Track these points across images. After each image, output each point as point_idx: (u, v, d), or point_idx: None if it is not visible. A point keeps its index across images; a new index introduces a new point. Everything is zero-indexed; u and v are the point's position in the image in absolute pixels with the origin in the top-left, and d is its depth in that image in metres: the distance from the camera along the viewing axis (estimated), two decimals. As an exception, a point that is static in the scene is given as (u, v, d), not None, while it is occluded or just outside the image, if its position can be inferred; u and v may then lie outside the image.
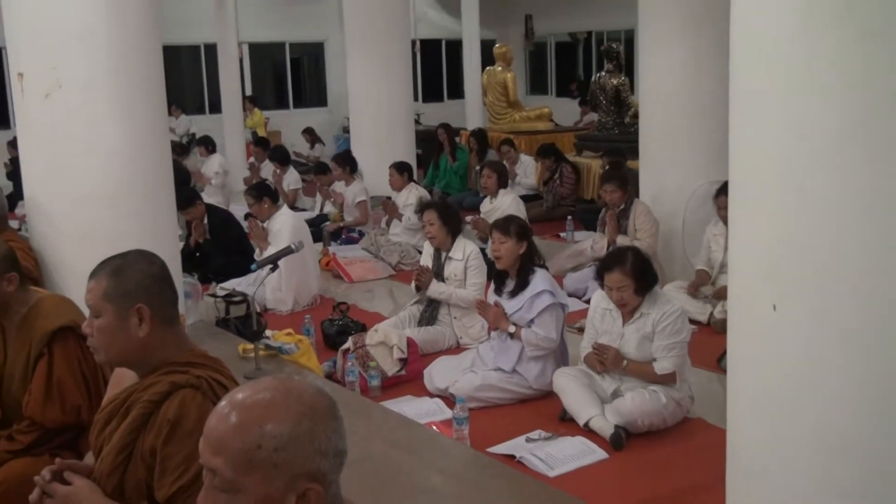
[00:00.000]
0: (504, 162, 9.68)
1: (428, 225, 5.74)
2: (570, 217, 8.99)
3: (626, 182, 6.79)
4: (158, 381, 2.20)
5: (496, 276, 4.97)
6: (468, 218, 7.45)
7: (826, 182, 1.81)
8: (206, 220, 7.47)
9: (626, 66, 11.32)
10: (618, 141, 9.87)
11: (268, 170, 10.93)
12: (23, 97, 4.67)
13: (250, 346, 5.16)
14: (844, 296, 1.82)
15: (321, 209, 9.71)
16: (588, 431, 4.28)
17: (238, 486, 1.50)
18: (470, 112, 15.80)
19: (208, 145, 11.59)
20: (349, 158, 9.26)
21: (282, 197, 9.36)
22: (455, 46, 17.85)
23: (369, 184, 9.08)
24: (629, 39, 15.95)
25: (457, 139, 12.00)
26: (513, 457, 4.08)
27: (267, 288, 6.34)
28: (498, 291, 4.92)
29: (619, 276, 4.27)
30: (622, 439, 4.17)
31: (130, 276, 2.23)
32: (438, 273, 5.73)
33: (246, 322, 5.76)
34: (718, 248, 5.99)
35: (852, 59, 1.75)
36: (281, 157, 10.80)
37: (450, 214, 5.79)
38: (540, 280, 4.73)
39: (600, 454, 4.11)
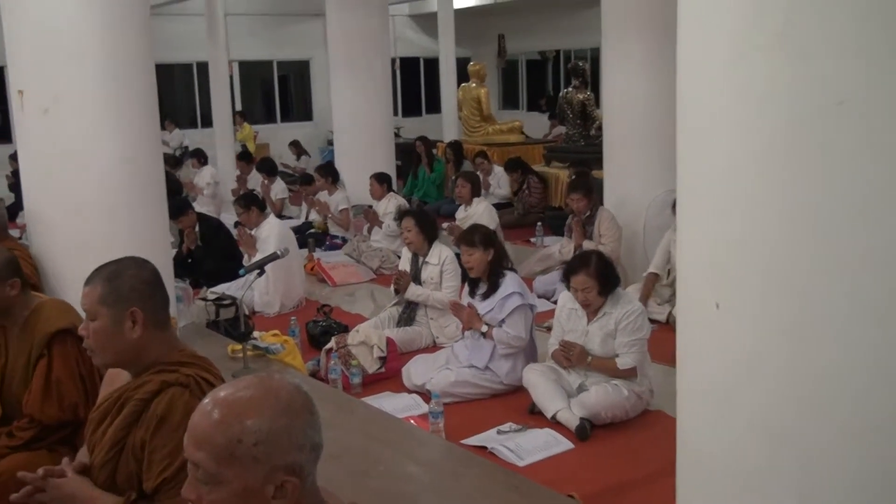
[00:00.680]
0: (478, 172, 9.71)
1: (406, 231, 5.76)
2: (539, 223, 9.03)
3: (592, 191, 6.83)
4: (150, 380, 2.22)
5: (470, 280, 5.00)
6: (444, 224, 7.48)
7: (764, 189, 1.85)
8: (197, 228, 7.46)
9: (592, 82, 11.38)
10: (584, 152, 9.91)
11: (256, 180, 10.91)
12: (22, 113, 4.65)
13: (239, 346, 5.15)
14: (782, 294, 1.85)
15: (307, 217, 9.70)
16: (555, 423, 4.31)
17: (220, 478, 1.51)
18: (446, 126, 15.82)
19: (200, 157, 11.56)
20: (332, 170, 9.27)
21: (269, 206, 9.35)
22: (432, 64, 17.89)
23: (351, 193, 9.09)
24: (594, 58, 16.04)
25: (434, 151, 12.02)
26: (485, 448, 4.10)
27: (255, 292, 6.34)
28: (471, 293, 4.95)
29: (583, 278, 4.31)
30: (587, 430, 4.20)
31: (124, 282, 2.24)
32: (416, 277, 5.75)
33: (235, 324, 5.75)
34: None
35: (789, 77, 1.79)
36: (268, 169, 10.79)
37: (426, 221, 5.82)
38: (510, 283, 4.76)
39: (566, 444, 4.14)
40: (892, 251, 1.77)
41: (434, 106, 18.15)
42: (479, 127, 12.82)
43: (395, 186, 9.01)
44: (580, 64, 10.87)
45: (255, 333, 5.37)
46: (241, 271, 5.60)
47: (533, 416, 4.46)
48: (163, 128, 11.39)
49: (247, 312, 5.42)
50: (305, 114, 18.59)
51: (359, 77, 9.20)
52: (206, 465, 1.51)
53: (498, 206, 8.88)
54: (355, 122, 9.30)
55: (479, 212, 7.48)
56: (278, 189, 10.59)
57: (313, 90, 18.43)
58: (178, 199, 7.46)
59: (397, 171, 10.29)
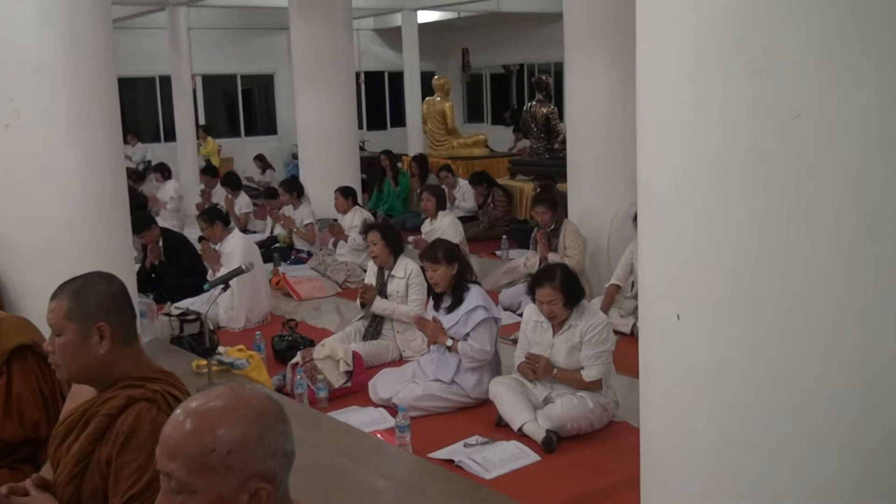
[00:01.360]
0: (443, 186, 9.74)
1: (371, 245, 5.76)
2: (504, 236, 9.07)
3: (556, 204, 6.89)
4: (116, 395, 2.20)
5: (435, 294, 5.01)
6: (410, 238, 7.49)
7: (722, 202, 1.90)
8: (160, 243, 7.40)
9: (556, 96, 11.48)
10: (548, 165, 9.99)
11: (220, 195, 10.84)
12: (-18, 127, 4.59)
13: (203, 362, 5.12)
14: (742, 305, 1.90)
15: (271, 231, 9.66)
16: (522, 436, 4.32)
17: (193, 488, 1.51)
18: (411, 139, 15.86)
19: (164, 172, 11.47)
20: (296, 184, 9.26)
21: (233, 220, 9.30)
22: (397, 78, 17.92)
23: (317, 207, 9.07)
24: (558, 72, 16.17)
25: (399, 164, 12.04)
26: (452, 461, 4.10)
27: (219, 306, 6.30)
28: (436, 307, 4.96)
29: (549, 290, 4.34)
30: (553, 442, 4.23)
31: (91, 296, 2.22)
32: (382, 290, 5.75)
33: (199, 339, 5.71)
34: (640, 265, 6.08)
35: (741, 92, 1.84)
36: (233, 183, 10.73)
37: (392, 235, 5.83)
38: (474, 296, 4.78)
39: (533, 457, 4.16)
40: (849, 262, 1.82)
41: (399, 119, 18.18)
42: (444, 140, 12.87)
43: (360, 200, 9.01)
44: (544, 78, 10.97)
45: (220, 349, 5.34)
46: (206, 286, 5.56)
47: (499, 428, 4.47)
48: (125, 142, 11.31)
49: (211, 327, 5.38)
50: (270, 128, 18.52)
51: (323, 91, 9.20)
52: (179, 476, 1.52)
53: (463, 220, 8.92)
54: (320, 136, 9.29)
55: (444, 225, 7.51)
56: (242, 203, 10.54)
57: (277, 104, 18.37)
58: (141, 214, 7.39)
59: (362, 184, 10.29)
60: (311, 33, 9.15)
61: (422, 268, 5.84)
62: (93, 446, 2.17)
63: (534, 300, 4.48)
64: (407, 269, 5.73)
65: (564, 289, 4.34)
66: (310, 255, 8.57)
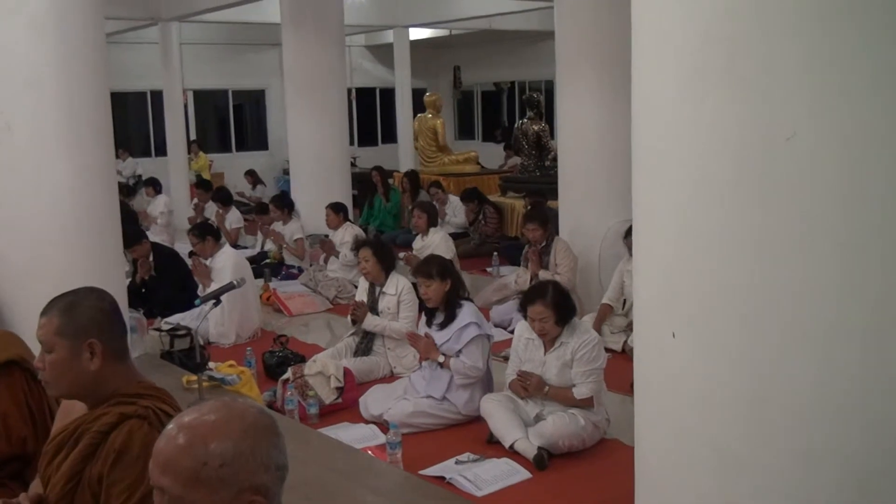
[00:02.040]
0: (434, 202, 9.75)
1: (363, 261, 5.75)
2: (495, 253, 9.07)
3: (547, 221, 6.89)
4: (107, 412, 2.18)
5: (427, 310, 5.00)
6: (401, 254, 7.49)
7: (716, 223, 1.90)
8: (151, 258, 7.37)
9: (547, 113, 11.52)
10: (539, 182, 10.01)
11: (211, 210, 10.82)
12: (-27, 141, 4.58)
13: (194, 377, 5.08)
14: (735, 324, 1.90)
15: (262, 247, 9.64)
16: (513, 453, 4.31)
17: (187, 502, 1.51)
18: (402, 155, 15.87)
19: (155, 186, 11.45)
20: (287, 200, 9.25)
21: (224, 236, 9.27)
22: (388, 94, 17.94)
23: (307, 223, 9.05)
24: (549, 89, 16.25)
25: (390, 181, 12.05)
26: (443, 478, 4.09)
27: (210, 322, 6.27)
28: (428, 324, 4.95)
29: (540, 307, 4.34)
30: (544, 460, 4.22)
31: (82, 312, 2.20)
32: (373, 307, 5.74)
33: (190, 354, 5.69)
34: (631, 283, 6.07)
35: (736, 112, 1.84)
36: (223, 198, 10.71)
37: (384, 252, 5.82)
38: (467, 313, 4.78)
39: (524, 474, 4.15)
40: (842, 283, 1.82)
41: (390, 136, 18.20)
42: (435, 157, 12.89)
43: (351, 216, 9.00)
44: (535, 95, 11.01)
45: (211, 364, 5.31)
46: (197, 301, 5.53)
47: (491, 445, 4.46)
48: (116, 156, 11.27)
49: (202, 343, 5.36)
50: (261, 143, 18.52)
51: (315, 107, 9.21)
52: (173, 490, 1.51)
53: (454, 236, 8.92)
54: (311, 152, 9.29)
55: (435, 241, 7.50)
56: (233, 218, 10.52)
57: (269, 119, 18.38)
58: (132, 228, 7.36)
59: (353, 200, 10.29)
60: (304, 49, 9.16)
61: (414, 284, 5.84)
62: (84, 463, 2.15)
63: (525, 317, 4.47)
64: (398, 285, 5.72)
65: (556, 306, 4.34)
66: (300, 270, 8.55)
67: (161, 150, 15.06)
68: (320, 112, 9.21)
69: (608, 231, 6.66)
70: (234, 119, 18.29)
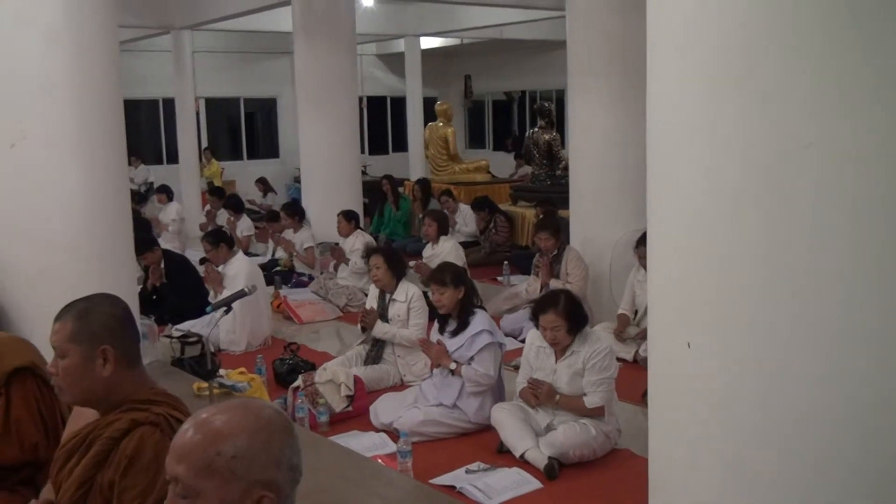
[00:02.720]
0: (445, 211, 9.75)
1: (374, 269, 5.75)
2: (506, 262, 9.05)
3: (559, 230, 6.88)
4: (119, 418, 2.18)
5: (439, 317, 4.99)
6: (411, 263, 7.48)
7: (732, 233, 1.89)
8: (162, 265, 7.39)
9: (557, 122, 11.52)
10: (550, 192, 10.00)
11: (222, 217, 10.86)
12: (-11, 147, 4.60)
13: (205, 384, 5.09)
14: (752, 333, 1.89)
15: (273, 254, 9.66)
16: (524, 462, 4.29)
17: (198, 491, 1.54)
18: (413, 164, 15.90)
19: (167, 193, 11.50)
20: (297, 208, 9.28)
21: (235, 243, 9.30)
22: (399, 103, 17.99)
23: (318, 230, 9.07)
24: (560, 98, 16.27)
25: (400, 189, 12.05)
26: (454, 487, 4.07)
27: (221, 329, 6.27)
28: (441, 331, 4.95)
29: (552, 316, 4.33)
30: (555, 470, 4.20)
31: (96, 319, 2.20)
32: (383, 314, 5.73)
33: (200, 361, 5.69)
34: (642, 293, 6.07)
35: (753, 120, 1.84)
36: (235, 205, 10.75)
37: (395, 259, 5.82)
38: (479, 320, 4.77)
39: (535, 484, 4.13)
40: (858, 291, 1.81)
41: (400, 144, 18.24)
42: (446, 166, 12.90)
43: (362, 224, 9.01)
44: (546, 104, 11.01)
45: (221, 371, 5.32)
46: (209, 308, 5.54)
47: (501, 455, 4.44)
48: (128, 163, 11.32)
49: (212, 350, 5.36)
50: (272, 151, 18.58)
51: (326, 115, 9.23)
52: (185, 479, 1.54)
53: (464, 245, 8.91)
54: (322, 160, 9.31)
55: (446, 250, 7.50)
56: (244, 226, 10.55)
57: (280, 127, 18.44)
58: (144, 236, 7.38)
59: (364, 208, 10.31)
60: (315, 58, 9.19)
61: (424, 293, 5.84)
62: (95, 469, 2.15)
63: (537, 326, 4.46)
64: (408, 292, 5.72)
65: (568, 315, 4.32)
66: (311, 278, 8.56)
67: (173, 158, 15.12)
68: (331, 120, 9.23)
69: (619, 240, 6.64)
70: (245, 127, 18.36)
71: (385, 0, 14.22)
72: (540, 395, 4.41)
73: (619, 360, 4.92)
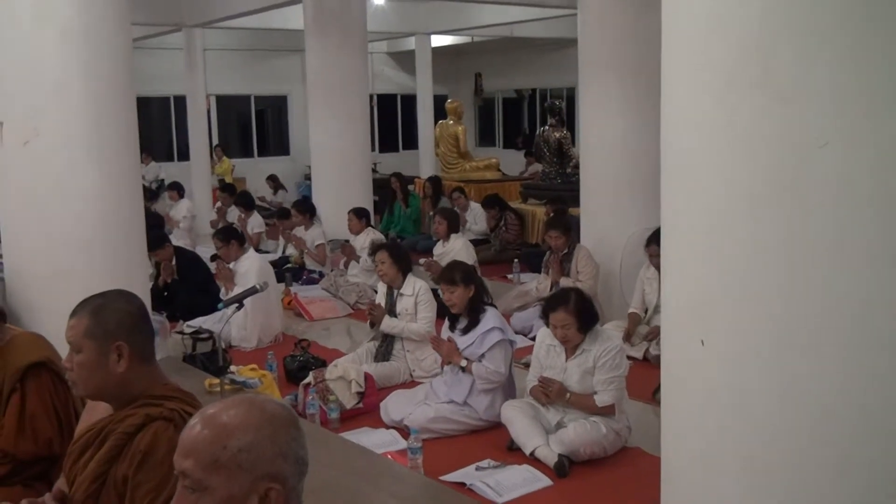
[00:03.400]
0: (455, 208, 9.75)
1: (380, 264, 5.77)
2: (516, 260, 9.04)
3: (570, 228, 6.87)
4: (133, 413, 2.19)
5: (450, 314, 4.99)
6: (421, 260, 7.49)
7: (747, 231, 1.89)
8: (174, 261, 7.41)
9: (568, 120, 11.50)
10: (560, 190, 9.98)
11: (233, 214, 10.89)
12: (2, 144, 4.63)
13: (216, 380, 5.11)
14: (765, 332, 1.88)
15: (283, 251, 9.68)
16: (534, 460, 4.29)
17: (205, 485, 1.56)
18: (423, 162, 15.89)
19: (178, 190, 11.53)
20: (308, 205, 9.29)
21: (246, 240, 9.32)
22: (410, 101, 17.99)
23: (329, 228, 9.08)
24: (570, 97, 16.25)
25: (410, 187, 12.05)
26: (464, 484, 4.08)
27: (232, 326, 6.29)
28: (451, 328, 4.95)
29: (563, 315, 4.32)
30: (565, 467, 4.19)
31: (110, 315, 2.22)
32: (391, 309, 5.74)
33: (212, 358, 5.71)
34: (652, 291, 6.07)
35: (770, 120, 1.83)
36: (246, 202, 10.77)
37: (400, 254, 5.84)
38: (490, 318, 4.77)
39: (545, 481, 4.12)
40: (873, 290, 1.80)
41: (411, 142, 18.24)
42: (457, 163, 12.90)
43: (372, 222, 9.02)
44: (557, 103, 10.99)
45: (233, 367, 5.34)
46: (220, 305, 5.56)
47: (511, 452, 4.44)
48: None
49: (224, 346, 5.38)
50: (282, 148, 18.61)
51: (337, 112, 9.24)
52: (193, 473, 1.56)
53: (474, 243, 8.90)
54: (333, 158, 9.32)
55: (456, 248, 7.50)
56: (255, 223, 10.57)
57: (290, 125, 18.47)
58: (155, 232, 7.41)
59: (374, 206, 10.32)
60: (326, 56, 9.20)
61: (434, 290, 5.84)
62: (109, 464, 2.16)
63: (547, 324, 4.46)
64: (415, 286, 5.73)
65: (579, 313, 4.32)
66: (321, 275, 8.57)
67: (184, 155, 15.16)
68: (342, 118, 9.24)
69: (630, 239, 6.62)
70: (256, 124, 18.39)
71: (396, -2, 14.24)
72: (551, 393, 4.41)
73: (629, 358, 4.92)
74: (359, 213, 8.49)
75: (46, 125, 4.57)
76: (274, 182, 14.59)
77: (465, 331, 4.82)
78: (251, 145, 18.37)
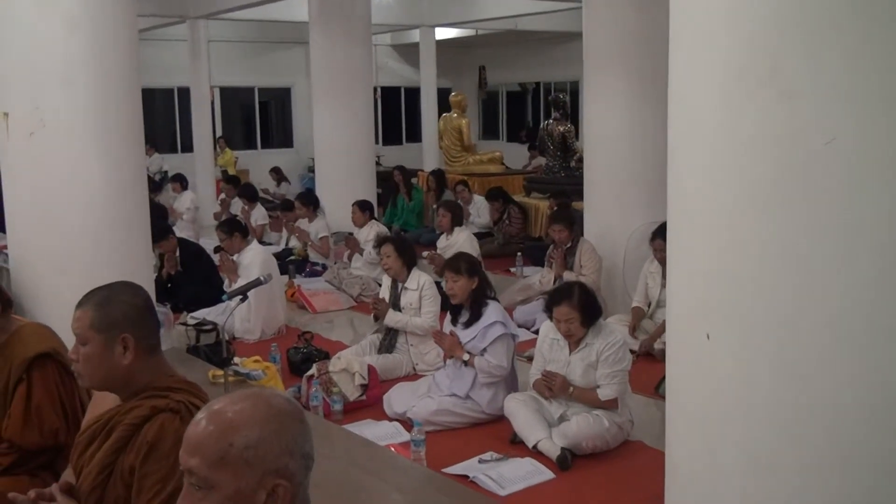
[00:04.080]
0: (458, 201, 9.75)
1: (385, 257, 5.77)
2: (519, 253, 9.04)
3: (573, 222, 6.87)
4: (140, 404, 2.20)
5: (452, 308, 4.99)
6: (424, 253, 7.49)
7: (754, 226, 1.89)
8: (177, 253, 7.42)
9: (572, 114, 11.48)
10: (564, 183, 9.97)
11: (237, 206, 10.89)
12: (8, 135, 4.63)
13: (220, 372, 5.11)
14: (770, 326, 1.89)
15: (287, 244, 9.69)
16: (536, 453, 4.30)
17: (212, 483, 1.55)
18: (427, 155, 15.88)
19: (182, 182, 11.53)
20: (312, 198, 9.29)
21: (249, 232, 9.32)
22: (413, 94, 17.96)
23: (332, 220, 9.09)
24: (574, 90, 16.21)
25: (413, 180, 12.05)
26: (466, 477, 4.09)
27: (236, 317, 6.29)
28: (454, 322, 4.95)
29: (566, 309, 4.33)
30: (568, 460, 4.20)
31: (116, 307, 2.22)
32: (395, 303, 5.75)
33: (215, 349, 5.72)
34: (655, 285, 6.07)
35: (777, 117, 1.83)
36: (249, 194, 10.78)
37: (405, 247, 5.84)
38: (493, 311, 4.77)
39: (548, 474, 4.14)
40: (876, 287, 1.81)
41: (414, 135, 18.22)
42: (460, 157, 12.89)
43: (376, 214, 9.03)
44: (560, 96, 10.96)
45: (236, 359, 5.34)
46: (224, 297, 5.56)
47: (514, 445, 4.45)
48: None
49: (227, 338, 5.38)
50: (286, 140, 18.59)
51: (341, 105, 9.24)
52: (199, 471, 1.55)
53: (478, 236, 8.90)
54: (336, 150, 9.32)
55: (460, 241, 7.50)
56: (259, 215, 10.58)
57: (294, 117, 18.44)
58: (159, 224, 7.41)
59: (378, 198, 10.32)
60: (330, 48, 9.20)
61: (437, 283, 5.85)
62: (116, 455, 2.17)
63: (551, 318, 4.46)
64: (420, 280, 5.73)
65: (582, 307, 4.33)
66: (325, 268, 8.58)
67: (187, 147, 15.16)
68: (346, 110, 9.24)
69: (633, 233, 6.62)
70: (259, 116, 18.37)
71: (400, -10, 14.21)
72: (554, 386, 4.42)
73: (632, 352, 4.92)
74: (363, 206, 8.49)
75: (51, 116, 4.56)
76: (277, 174, 14.59)
77: (468, 325, 4.83)
78: (255, 137, 18.35)
